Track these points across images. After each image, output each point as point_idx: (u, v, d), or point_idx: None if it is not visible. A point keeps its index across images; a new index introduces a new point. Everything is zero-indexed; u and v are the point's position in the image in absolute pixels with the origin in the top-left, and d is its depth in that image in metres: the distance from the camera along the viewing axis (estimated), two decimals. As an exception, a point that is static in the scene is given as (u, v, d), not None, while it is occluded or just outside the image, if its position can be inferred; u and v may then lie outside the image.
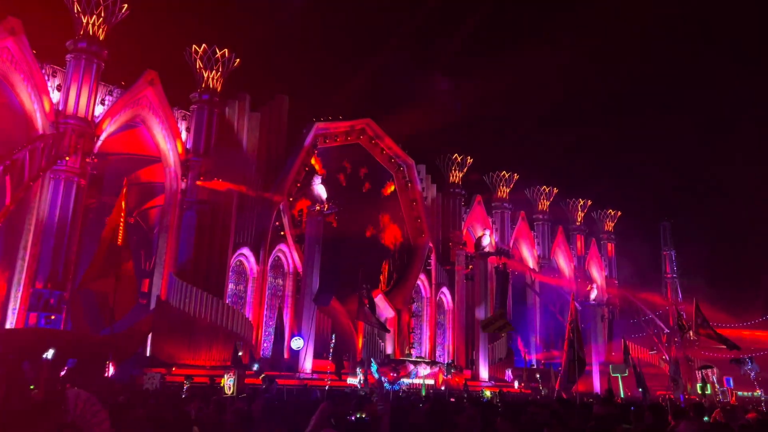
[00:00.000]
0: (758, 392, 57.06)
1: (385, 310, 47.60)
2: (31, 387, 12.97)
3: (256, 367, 32.38)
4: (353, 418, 6.77)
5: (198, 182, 36.99)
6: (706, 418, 11.38)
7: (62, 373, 24.89)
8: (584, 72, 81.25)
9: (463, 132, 65.60)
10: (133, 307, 36.03)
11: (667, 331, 62.85)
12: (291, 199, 43.26)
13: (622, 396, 40.54)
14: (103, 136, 34.76)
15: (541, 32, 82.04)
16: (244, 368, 29.42)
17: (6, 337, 27.23)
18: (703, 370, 41.41)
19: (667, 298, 70.01)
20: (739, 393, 53.86)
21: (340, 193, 45.63)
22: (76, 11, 33.83)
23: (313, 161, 44.72)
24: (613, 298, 65.67)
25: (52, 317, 30.32)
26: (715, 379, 53.16)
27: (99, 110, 34.59)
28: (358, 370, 35.79)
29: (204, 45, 39.10)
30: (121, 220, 16.17)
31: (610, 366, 49.59)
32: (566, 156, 71.73)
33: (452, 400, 16.11)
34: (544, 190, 63.28)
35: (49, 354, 25.08)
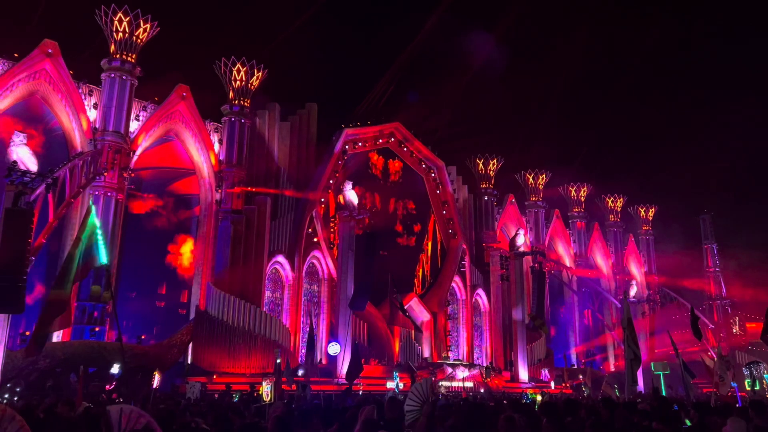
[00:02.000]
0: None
1: (420, 313, 47.52)
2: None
3: (301, 372, 32.61)
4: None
5: (229, 189, 37.59)
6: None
7: (110, 386, 25.55)
8: (609, 67, 79.89)
9: (493, 132, 65.03)
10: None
11: (711, 326, 61.22)
12: (323, 205, 43.61)
13: (664, 394, 39.60)
14: (138, 151, 35.65)
15: (569, 28, 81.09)
16: (290, 374, 29.81)
17: (54, 351, 28.05)
18: (751, 367, 40.14)
19: (711, 292, 68.13)
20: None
21: (373, 194, 45.84)
22: (108, 31, 34.79)
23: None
24: (653, 294, 64.26)
25: (97, 329, 31.13)
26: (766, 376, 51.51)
27: (134, 126, 35.52)
28: (395, 374, 35.81)
29: (233, 57, 39.80)
30: (99, 237, 15.51)
31: (652, 364, 48.56)
32: (599, 152, 70.55)
33: (492, 404, 15.93)
34: (579, 187, 62.40)
35: (115, 369, 25.71)
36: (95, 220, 16.78)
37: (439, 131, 53.52)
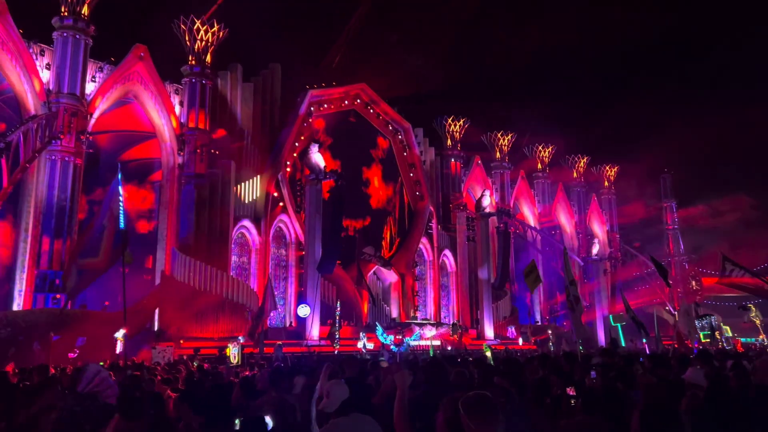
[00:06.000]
0: (762, 338, 57.86)
1: (388, 274, 47.99)
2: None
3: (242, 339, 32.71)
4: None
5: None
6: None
7: (74, 354, 25.24)
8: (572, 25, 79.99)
9: (458, 94, 64.83)
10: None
11: (670, 282, 63.31)
12: (289, 168, 43.16)
13: (623, 345, 41.07)
14: (96, 114, 34.46)
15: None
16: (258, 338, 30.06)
17: (15, 319, 27.51)
18: (703, 320, 41.87)
19: (669, 249, 70.36)
20: (743, 340, 54.67)
21: (338, 157, 45.57)
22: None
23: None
24: (615, 251, 66.00)
25: (58, 297, 30.54)
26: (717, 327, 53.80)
27: (90, 88, 34.23)
28: (362, 334, 36.28)
29: (192, 16, 38.46)
30: (121, 203, 16.38)
31: (611, 316, 50.21)
32: (563, 114, 71.01)
33: (459, 360, 16.32)
34: (543, 148, 63.05)
35: (80, 342, 25.45)
36: (119, 187, 17.28)
37: (405, 92, 53.01)
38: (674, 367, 10.26)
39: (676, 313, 60.97)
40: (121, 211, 17.41)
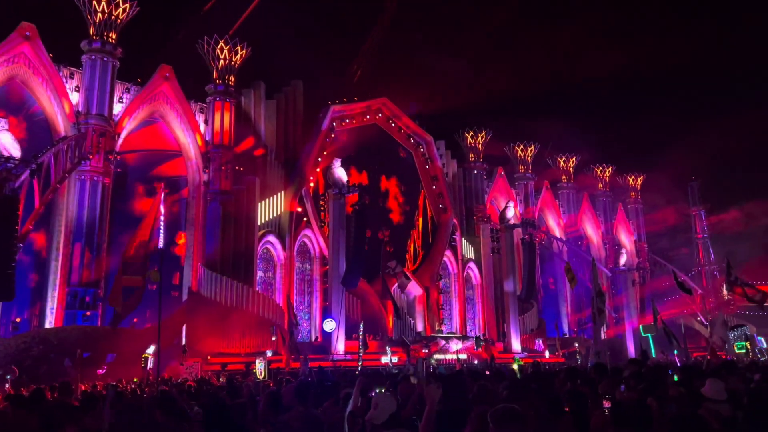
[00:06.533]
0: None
1: (413, 288, 47.82)
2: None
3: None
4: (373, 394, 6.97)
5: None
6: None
7: (102, 371, 25.61)
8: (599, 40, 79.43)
9: (480, 106, 64.74)
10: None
11: (700, 292, 61.99)
12: (312, 183, 43.46)
13: (654, 356, 40.19)
14: (123, 134, 35.21)
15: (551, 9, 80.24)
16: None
17: (47, 336, 28.02)
18: (735, 330, 40.76)
19: (699, 258, 68.89)
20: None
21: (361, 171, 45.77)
22: (87, 12, 34.08)
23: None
24: (643, 262, 64.89)
25: (89, 314, 31.07)
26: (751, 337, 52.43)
27: (118, 109, 35.01)
28: (388, 349, 36.11)
29: (215, 36, 39.20)
30: (160, 222, 16.56)
31: (641, 327, 49.12)
32: (588, 122, 70.29)
33: (487, 372, 16.18)
34: (567, 157, 62.53)
35: (110, 359, 25.86)
36: (161, 206, 17.51)
37: (426, 106, 53.12)
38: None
39: (708, 323, 59.57)
40: (161, 231, 17.51)
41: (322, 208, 43.98)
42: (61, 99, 32.88)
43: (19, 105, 33.02)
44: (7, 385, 20.80)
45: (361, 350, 34.27)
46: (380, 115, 49.28)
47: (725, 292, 66.90)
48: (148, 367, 25.41)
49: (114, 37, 34.37)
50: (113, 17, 34.40)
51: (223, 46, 39.21)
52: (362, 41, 56.54)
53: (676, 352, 33.59)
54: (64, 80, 33.50)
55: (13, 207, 24.73)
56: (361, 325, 36.15)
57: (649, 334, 45.34)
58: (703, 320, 60.26)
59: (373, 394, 6.77)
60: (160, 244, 17.78)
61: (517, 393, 7.55)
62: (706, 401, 6.89)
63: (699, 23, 79.02)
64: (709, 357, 31.37)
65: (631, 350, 52.00)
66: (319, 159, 43.83)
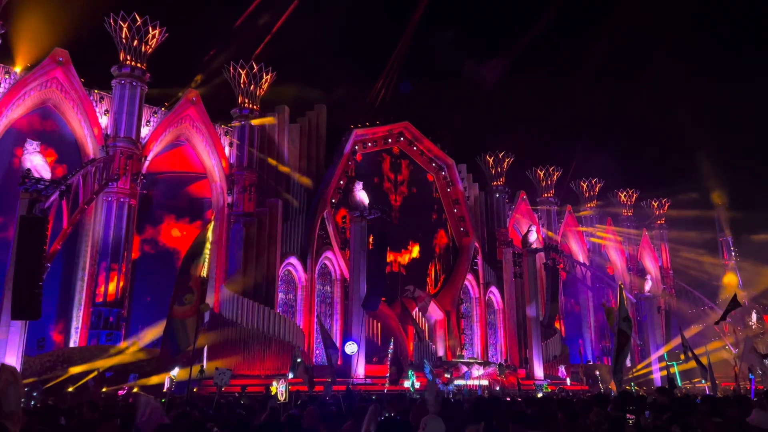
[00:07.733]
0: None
1: (433, 312, 47.50)
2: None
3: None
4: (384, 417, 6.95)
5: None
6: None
7: (123, 391, 25.75)
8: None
9: (502, 130, 64.78)
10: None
11: (729, 319, 60.53)
12: (334, 206, 43.71)
13: (680, 384, 39.19)
14: (150, 157, 35.91)
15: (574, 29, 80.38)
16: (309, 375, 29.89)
17: (72, 356, 28.35)
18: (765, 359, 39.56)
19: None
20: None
21: (382, 197, 45.89)
22: (118, 38, 35.07)
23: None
24: (668, 288, 63.75)
25: (112, 334, 31.38)
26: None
27: (145, 131, 35.78)
28: (411, 373, 35.76)
29: (241, 60, 40.01)
30: (207, 251, 16.04)
31: (665, 354, 48.06)
32: (612, 146, 69.76)
33: (508, 399, 15.97)
34: (591, 182, 62.09)
35: (131, 379, 26.02)
36: (210, 233, 16.81)
37: (449, 129, 53.38)
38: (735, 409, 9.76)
39: (735, 351, 58.09)
40: (206, 259, 16.82)
41: (342, 229, 44.12)
42: (91, 122, 33.72)
43: (50, 128, 33.90)
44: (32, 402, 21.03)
45: (394, 372, 34.12)
46: (402, 138, 49.58)
47: (754, 320, 65.40)
48: (164, 389, 25.48)
49: (143, 63, 35.29)
50: (143, 43, 35.34)
51: (249, 71, 39.97)
52: (385, 61, 57.17)
53: (703, 381, 32.75)
54: (94, 104, 34.38)
55: (41, 228, 25.23)
56: (391, 342, 35.96)
57: (675, 362, 44.36)
58: (731, 348, 58.80)
59: (382, 418, 6.76)
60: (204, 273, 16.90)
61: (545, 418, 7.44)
62: (753, 430, 6.76)
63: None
64: (732, 386, 30.55)
65: (657, 378, 50.89)
66: (341, 181, 44.14)
